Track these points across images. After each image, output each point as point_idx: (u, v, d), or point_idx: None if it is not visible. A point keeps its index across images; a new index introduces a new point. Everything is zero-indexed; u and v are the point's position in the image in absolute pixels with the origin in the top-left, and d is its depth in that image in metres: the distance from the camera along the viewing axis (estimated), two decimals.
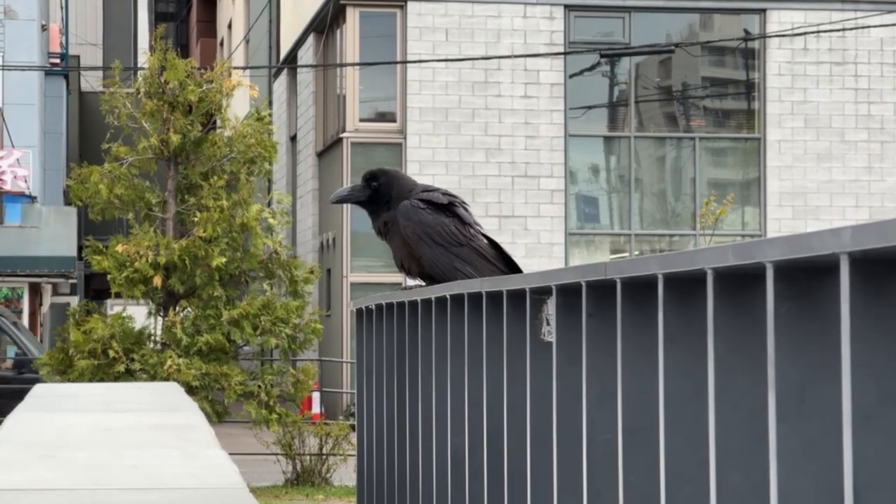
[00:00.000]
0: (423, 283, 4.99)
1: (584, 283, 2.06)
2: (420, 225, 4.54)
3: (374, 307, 5.18)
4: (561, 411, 3.20)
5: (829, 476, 1.90)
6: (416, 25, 26.36)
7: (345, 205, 26.12)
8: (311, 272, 20.70)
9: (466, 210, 4.73)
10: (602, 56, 27.27)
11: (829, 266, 1.74)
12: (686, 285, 2.27)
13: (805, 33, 26.30)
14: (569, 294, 2.94)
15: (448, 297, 4.10)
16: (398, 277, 25.31)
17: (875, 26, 26.25)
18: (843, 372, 1.75)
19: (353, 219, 25.68)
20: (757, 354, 2.09)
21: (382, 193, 4.70)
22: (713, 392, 2.22)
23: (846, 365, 1.76)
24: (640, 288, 2.48)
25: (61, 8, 37.39)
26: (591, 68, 27.45)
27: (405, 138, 26.10)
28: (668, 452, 2.28)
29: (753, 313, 2.08)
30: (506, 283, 3.69)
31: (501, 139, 26.41)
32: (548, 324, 2.89)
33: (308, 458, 17.24)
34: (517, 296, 3.50)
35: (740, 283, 2.13)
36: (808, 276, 1.96)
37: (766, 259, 1.81)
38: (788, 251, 1.80)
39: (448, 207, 4.60)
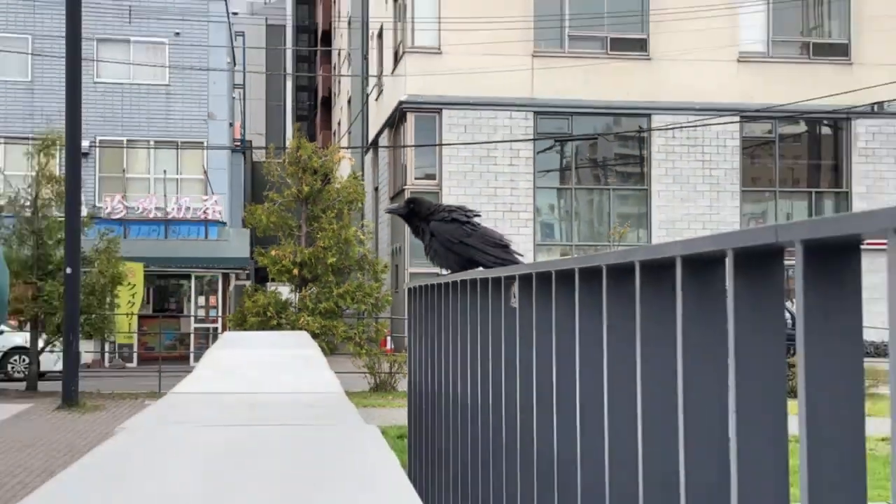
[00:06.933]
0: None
1: (604, 266, 1.78)
2: (446, 233, 4.47)
3: (419, 287, 5.16)
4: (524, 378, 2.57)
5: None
6: (448, 122, 26.37)
7: (401, 220, 26.21)
8: (386, 267, 20.84)
9: (463, 214, 4.59)
10: (556, 141, 27.24)
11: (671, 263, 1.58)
12: (658, 270, 1.92)
13: (673, 127, 26.20)
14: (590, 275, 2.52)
15: (459, 281, 3.94)
16: (437, 269, 25.34)
17: (713, 123, 26.14)
18: (677, 350, 1.55)
19: (411, 236, 25.73)
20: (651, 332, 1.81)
21: (416, 211, 4.62)
22: (643, 368, 1.98)
23: (680, 343, 1.55)
24: (623, 273, 2.07)
25: (241, 112, 37.59)
26: (550, 148, 27.39)
27: (440, 189, 26.13)
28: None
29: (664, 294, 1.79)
30: (503, 271, 3.29)
31: (497, 189, 26.39)
32: (514, 297, 2.66)
33: (383, 374, 17.27)
34: (524, 279, 2.91)
35: (657, 272, 1.77)
36: (698, 267, 1.70)
37: (674, 253, 1.59)
38: (686, 249, 1.59)
39: (454, 220, 4.52)
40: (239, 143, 33.57)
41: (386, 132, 30.37)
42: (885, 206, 0.84)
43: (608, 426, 1.93)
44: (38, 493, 1.37)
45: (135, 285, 22.55)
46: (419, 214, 4.72)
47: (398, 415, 11.31)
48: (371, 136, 34.50)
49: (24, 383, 17.02)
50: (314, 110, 61.50)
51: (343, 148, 32.15)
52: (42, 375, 17.38)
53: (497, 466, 2.69)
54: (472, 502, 2.95)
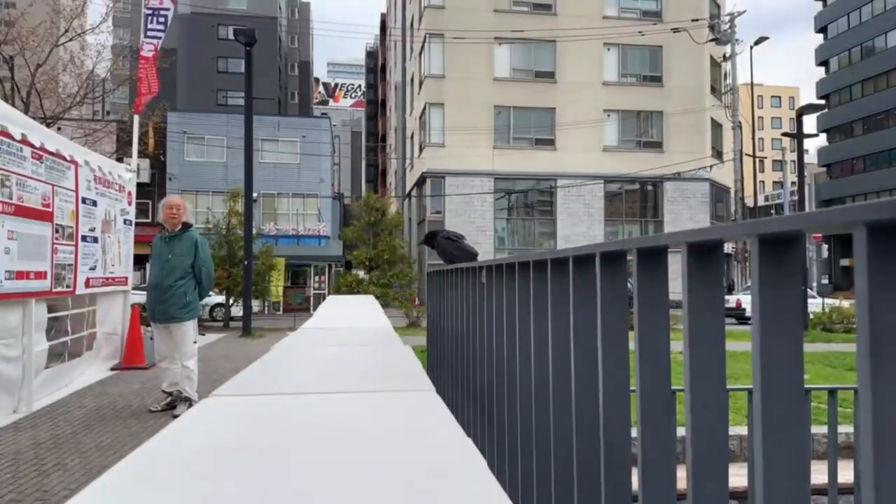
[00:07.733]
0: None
1: (598, 254, 1.11)
2: (447, 246, 4.42)
3: (433, 271, 4.86)
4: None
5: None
6: (448, 183, 26.19)
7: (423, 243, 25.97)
8: (414, 261, 20.65)
9: (454, 235, 4.47)
10: (505, 193, 26.90)
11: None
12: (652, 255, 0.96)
13: (568, 186, 26.05)
14: (584, 261, 1.24)
15: (454, 269, 3.46)
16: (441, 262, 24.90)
17: (590, 184, 25.86)
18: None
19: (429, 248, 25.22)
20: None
21: (432, 234, 4.58)
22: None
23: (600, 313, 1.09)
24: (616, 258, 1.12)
25: (337, 178, 37.33)
26: (501, 197, 27.04)
27: (444, 219, 25.95)
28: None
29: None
30: (476, 264, 2.66)
31: (474, 219, 26.19)
32: (483, 279, 2.30)
33: (413, 317, 17.17)
34: (522, 266, 1.95)
35: (652, 255, 0.92)
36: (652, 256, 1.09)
37: (632, 247, 1.00)
38: (643, 243, 0.93)
39: (448, 238, 4.47)
40: (336, 195, 33.55)
41: (415, 189, 30.28)
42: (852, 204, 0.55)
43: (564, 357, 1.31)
44: (242, 373, 1.44)
45: (281, 270, 22.59)
46: (433, 236, 4.73)
47: (421, 340, 11.25)
48: (407, 190, 34.43)
49: (221, 323, 17.06)
50: (377, 177, 61.30)
51: (392, 197, 32.04)
52: (231, 319, 17.41)
53: (475, 368, 2.71)
54: (464, 388, 2.95)
